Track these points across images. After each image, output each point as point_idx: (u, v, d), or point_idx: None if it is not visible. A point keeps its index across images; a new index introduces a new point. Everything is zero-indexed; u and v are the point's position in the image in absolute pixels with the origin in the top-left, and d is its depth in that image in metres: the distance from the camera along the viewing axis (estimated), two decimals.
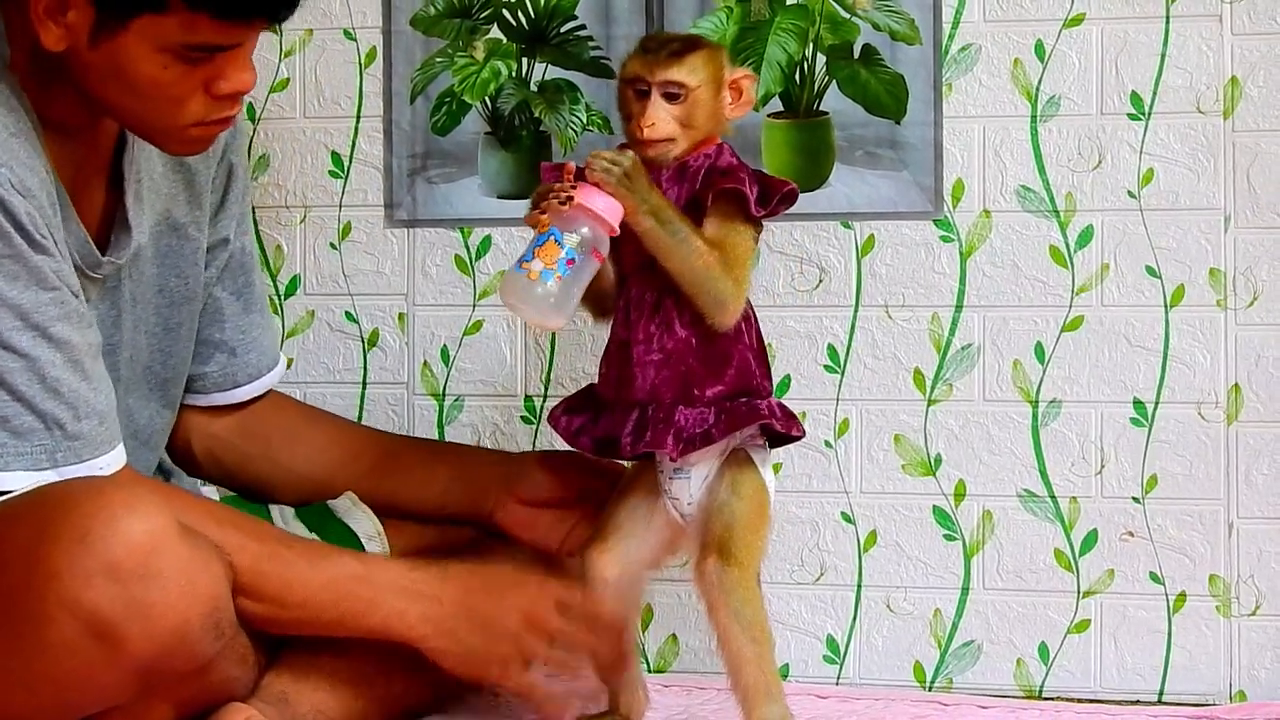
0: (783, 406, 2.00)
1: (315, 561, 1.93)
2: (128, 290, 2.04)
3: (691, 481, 2.00)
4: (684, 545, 2.05)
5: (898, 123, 2.47)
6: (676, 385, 1.97)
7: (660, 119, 1.95)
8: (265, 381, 2.28)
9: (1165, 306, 2.41)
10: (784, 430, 2.00)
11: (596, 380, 2.06)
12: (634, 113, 1.98)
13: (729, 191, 1.95)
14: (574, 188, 1.92)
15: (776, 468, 2.20)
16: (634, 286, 1.99)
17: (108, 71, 1.82)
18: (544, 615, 1.98)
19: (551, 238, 1.90)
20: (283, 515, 2.21)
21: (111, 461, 1.86)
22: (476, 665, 1.99)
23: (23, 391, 1.78)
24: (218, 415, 2.27)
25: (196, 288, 2.13)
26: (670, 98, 1.96)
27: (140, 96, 1.84)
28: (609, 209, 1.91)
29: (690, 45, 2.01)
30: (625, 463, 2.10)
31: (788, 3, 2.48)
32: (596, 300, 2.02)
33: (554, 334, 2.54)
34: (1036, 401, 2.45)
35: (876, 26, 2.46)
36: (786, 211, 2.01)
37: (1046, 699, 2.44)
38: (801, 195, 2.05)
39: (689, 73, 1.96)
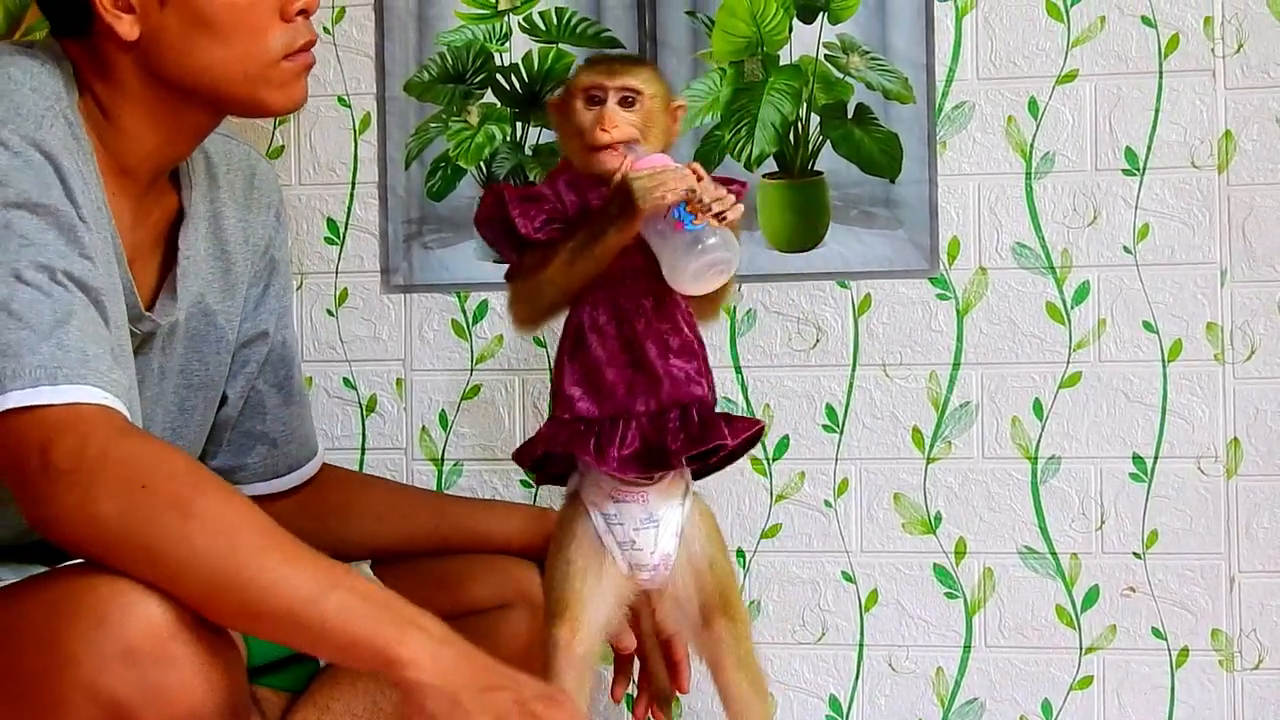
0: None
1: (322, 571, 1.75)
2: (156, 363, 2.02)
3: (659, 530, 1.92)
4: (630, 598, 1.95)
5: (892, 181, 2.47)
6: (702, 382, 1.92)
7: (621, 120, 1.91)
8: (304, 471, 2.26)
9: (1163, 361, 2.42)
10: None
11: (575, 406, 1.94)
12: (586, 123, 1.92)
13: None
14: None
15: None
16: (623, 296, 1.91)
17: (187, 25, 1.85)
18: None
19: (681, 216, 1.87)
20: None
21: (113, 401, 1.71)
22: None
23: (28, 318, 1.69)
24: (267, 503, 2.24)
25: (216, 376, 2.12)
26: (626, 103, 1.92)
27: (224, 38, 1.86)
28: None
29: (640, 60, 2.07)
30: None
31: (781, 63, 2.49)
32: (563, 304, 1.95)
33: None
34: (1036, 458, 2.45)
35: (870, 86, 2.47)
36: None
37: None
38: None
39: (644, 81, 1.93)
